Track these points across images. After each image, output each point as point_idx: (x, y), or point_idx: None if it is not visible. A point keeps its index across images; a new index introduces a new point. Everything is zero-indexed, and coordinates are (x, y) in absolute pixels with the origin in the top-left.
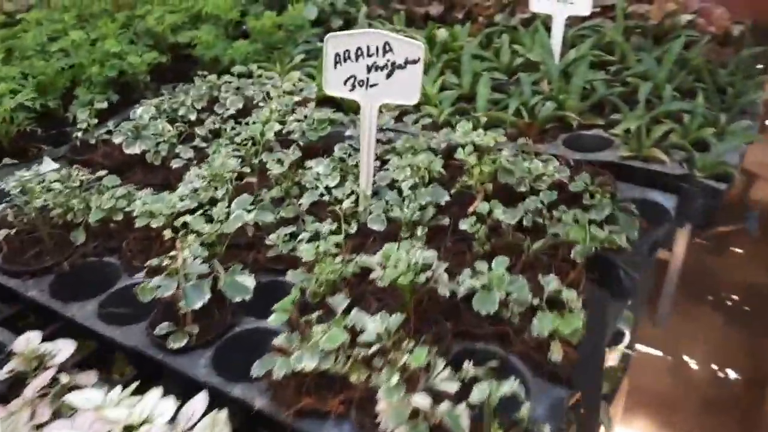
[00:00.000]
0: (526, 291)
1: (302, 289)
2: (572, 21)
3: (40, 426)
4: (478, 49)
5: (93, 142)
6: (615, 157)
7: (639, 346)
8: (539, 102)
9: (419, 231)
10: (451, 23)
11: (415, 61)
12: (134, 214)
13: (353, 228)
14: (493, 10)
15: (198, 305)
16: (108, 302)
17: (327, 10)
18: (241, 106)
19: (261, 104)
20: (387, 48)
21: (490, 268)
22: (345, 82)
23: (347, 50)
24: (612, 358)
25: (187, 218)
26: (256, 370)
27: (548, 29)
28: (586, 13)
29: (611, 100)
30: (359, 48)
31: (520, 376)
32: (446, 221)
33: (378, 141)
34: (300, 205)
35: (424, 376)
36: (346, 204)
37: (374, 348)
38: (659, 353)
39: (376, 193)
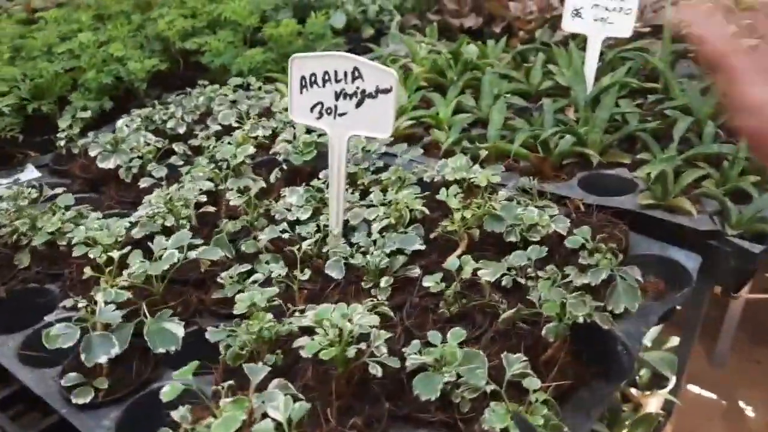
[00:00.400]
0: (479, 375)
1: (228, 347)
2: (617, 41)
3: None
4: (508, 69)
5: (76, 152)
6: (634, 204)
7: (691, 387)
8: (557, 134)
9: (383, 282)
10: (488, 37)
11: (387, 90)
12: (73, 241)
13: (305, 275)
14: (535, 25)
15: (102, 359)
16: (34, 338)
17: (358, 18)
18: (233, 121)
19: (236, 123)
20: (356, 74)
21: (445, 340)
22: (312, 109)
23: (314, 74)
24: (652, 403)
25: (114, 254)
26: None
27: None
28: (627, 34)
29: (641, 137)
30: (326, 72)
31: None
32: (416, 272)
33: (366, 169)
34: (260, 240)
35: None
36: (306, 245)
37: None
38: (713, 396)
39: (353, 230)
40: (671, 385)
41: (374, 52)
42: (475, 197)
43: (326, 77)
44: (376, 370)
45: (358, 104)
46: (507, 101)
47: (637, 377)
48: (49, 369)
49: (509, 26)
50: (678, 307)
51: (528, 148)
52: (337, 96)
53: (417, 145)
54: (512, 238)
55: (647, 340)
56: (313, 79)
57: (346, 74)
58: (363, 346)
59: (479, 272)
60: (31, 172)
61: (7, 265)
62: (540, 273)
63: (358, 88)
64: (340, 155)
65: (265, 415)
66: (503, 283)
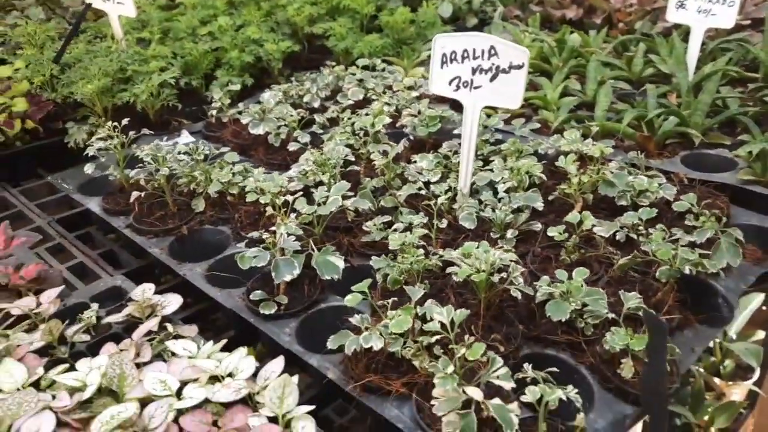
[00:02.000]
0: (602, 304)
1: (386, 275)
2: (718, 33)
3: (140, 364)
4: (610, 57)
5: (225, 120)
6: (734, 180)
7: None
8: (661, 116)
9: (509, 233)
10: (588, 28)
11: (519, 67)
12: (246, 189)
13: (443, 223)
14: (635, 17)
15: (287, 278)
16: (216, 266)
17: (463, 8)
18: (361, 97)
19: (374, 98)
20: (492, 52)
21: (570, 278)
22: (450, 83)
23: (454, 51)
24: (735, 394)
25: (289, 198)
26: (331, 342)
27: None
28: (729, 25)
29: (742, 120)
30: (465, 50)
31: (587, 388)
32: (538, 227)
33: (486, 141)
34: (398, 196)
35: (483, 371)
36: (441, 200)
37: (436, 338)
38: None
39: (477, 192)
40: (755, 376)
41: None
42: (584, 167)
43: (465, 54)
44: (518, 293)
45: (492, 78)
46: (612, 86)
47: (721, 367)
48: (233, 289)
49: (609, 17)
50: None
51: (632, 129)
52: (473, 71)
53: (528, 125)
54: (623, 202)
55: (732, 332)
56: (453, 56)
57: (483, 52)
58: (504, 275)
59: (594, 228)
60: (186, 137)
61: (186, 209)
62: (651, 230)
63: (493, 64)
64: (473, 123)
65: (425, 323)
66: (617, 237)
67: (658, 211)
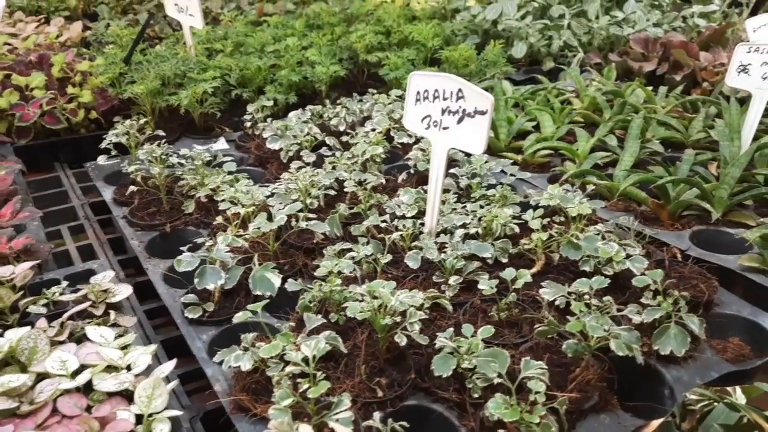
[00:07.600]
0: (492, 368)
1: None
2: None
3: (55, 342)
4: (669, 117)
5: (258, 133)
6: (735, 265)
7: None
8: (677, 183)
9: (452, 280)
10: (669, 84)
11: (483, 112)
12: (221, 197)
13: (387, 258)
14: (721, 77)
15: (210, 286)
16: None
17: (542, 51)
18: (383, 126)
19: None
20: (460, 94)
21: (474, 334)
22: (422, 120)
23: (427, 90)
24: None
25: (242, 210)
26: (218, 356)
27: None
28: None
29: None
30: (437, 89)
31: None
32: (485, 278)
33: (479, 183)
34: (361, 225)
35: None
36: (395, 235)
37: (291, 369)
38: None
39: (449, 233)
40: None
41: (542, 83)
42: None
43: (436, 94)
44: (401, 340)
45: (459, 121)
46: (650, 147)
47: None
48: (181, 289)
49: (693, 75)
50: None
51: (655, 197)
52: (443, 111)
53: (546, 174)
54: (586, 268)
55: None
56: (426, 94)
57: (452, 93)
58: (400, 319)
59: (540, 291)
60: (222, 144)
61: (177, 209)
62: (595, 301)
63: (460, 107)
64: (440, 163)
65: None
66: (556, 303)
67: (622, 287)
